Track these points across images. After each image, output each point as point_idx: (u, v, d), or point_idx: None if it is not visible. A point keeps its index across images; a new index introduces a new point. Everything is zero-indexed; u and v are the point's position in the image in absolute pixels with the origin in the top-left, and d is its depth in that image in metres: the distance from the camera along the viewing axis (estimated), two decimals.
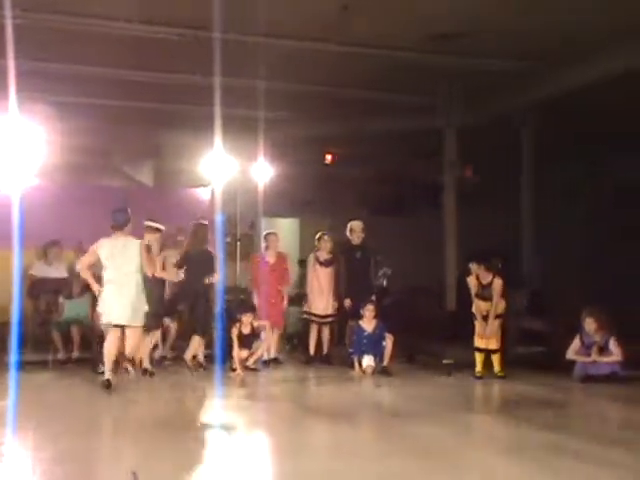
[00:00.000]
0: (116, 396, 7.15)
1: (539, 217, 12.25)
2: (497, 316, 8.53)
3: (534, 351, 9.60)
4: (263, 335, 8.85)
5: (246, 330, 8.65)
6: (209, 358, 8.66)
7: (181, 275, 8.52)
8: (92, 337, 8.84)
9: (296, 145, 12.82)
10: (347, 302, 9.37)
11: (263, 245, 9.80)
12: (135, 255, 7.53)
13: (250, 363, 8.61)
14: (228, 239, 9.89)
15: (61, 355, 9.24)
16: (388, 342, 8.68)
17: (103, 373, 7.48)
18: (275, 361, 9.29)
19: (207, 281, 8.62)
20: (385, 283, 10.36)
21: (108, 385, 7.28)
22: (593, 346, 8.20)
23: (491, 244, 10.51)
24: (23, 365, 7.87)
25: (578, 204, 14.13)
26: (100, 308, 7.57)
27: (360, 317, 8.95)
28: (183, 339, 8.97)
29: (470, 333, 8.62)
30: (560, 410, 7.05)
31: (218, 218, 9.74)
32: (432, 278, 12.23)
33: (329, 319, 9.60)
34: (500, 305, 8.56)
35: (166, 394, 7.72)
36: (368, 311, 8.87)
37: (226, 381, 7.96)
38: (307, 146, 13.02)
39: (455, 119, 12.10)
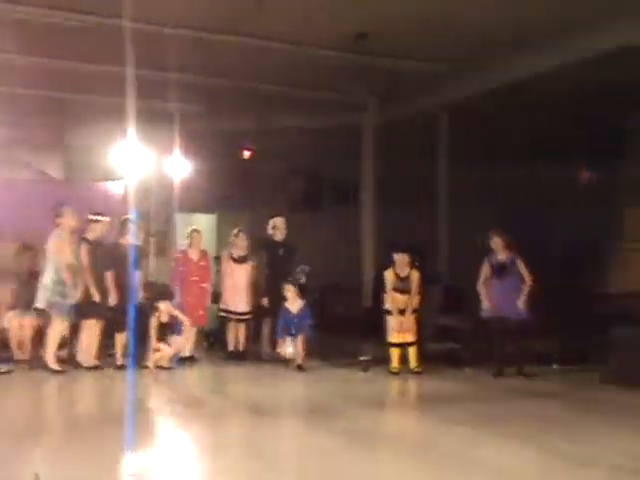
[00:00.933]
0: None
1: (454, 216, 12.44)
2: (413, 310, 8.59)
3: (449, 347, 9.72)
4: (181, 331, 8.64)
5: (164, 318, 8.46)
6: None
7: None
8: None
9: (214, 139, 12.64)
10: (265, 301, 9.33)
11: (186, 242, 9.66)
12: None
13: (164, 362, 8.39)
14: (142, 235, 9.65)
15: None
16: (301, 338, 8.64)
17: None
18: (191, 359, 9.08)
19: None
20: (304, 280, 10.29)
21: None
22: (503, 270, 8.33)
23: (408, 241, 10.58)
24: None
25: (490, 204, 14.43)
26: None
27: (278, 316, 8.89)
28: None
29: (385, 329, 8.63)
30: (474, 405, 7.13)
31: (132, 213, 9.45)
32: (351, 275, 12.24)
33: (246, 316, 9.50)
34: (416, 299, 8.63)
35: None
36: (289, 292, 8.84)
37: (141, 380, 7.72)
38: (225, 141, 12.85)
39: (371, 117, 12.24)
